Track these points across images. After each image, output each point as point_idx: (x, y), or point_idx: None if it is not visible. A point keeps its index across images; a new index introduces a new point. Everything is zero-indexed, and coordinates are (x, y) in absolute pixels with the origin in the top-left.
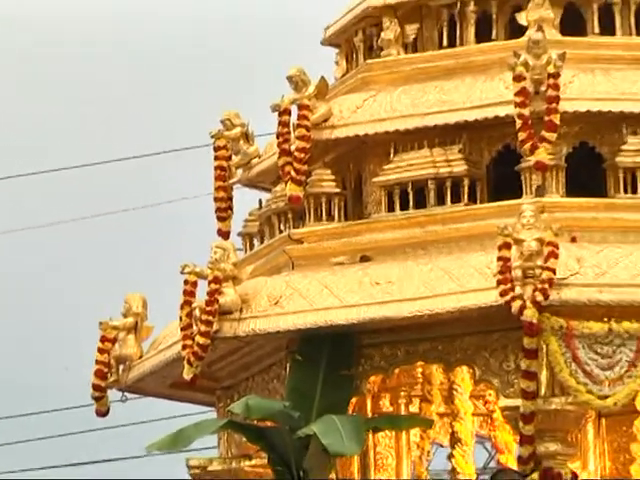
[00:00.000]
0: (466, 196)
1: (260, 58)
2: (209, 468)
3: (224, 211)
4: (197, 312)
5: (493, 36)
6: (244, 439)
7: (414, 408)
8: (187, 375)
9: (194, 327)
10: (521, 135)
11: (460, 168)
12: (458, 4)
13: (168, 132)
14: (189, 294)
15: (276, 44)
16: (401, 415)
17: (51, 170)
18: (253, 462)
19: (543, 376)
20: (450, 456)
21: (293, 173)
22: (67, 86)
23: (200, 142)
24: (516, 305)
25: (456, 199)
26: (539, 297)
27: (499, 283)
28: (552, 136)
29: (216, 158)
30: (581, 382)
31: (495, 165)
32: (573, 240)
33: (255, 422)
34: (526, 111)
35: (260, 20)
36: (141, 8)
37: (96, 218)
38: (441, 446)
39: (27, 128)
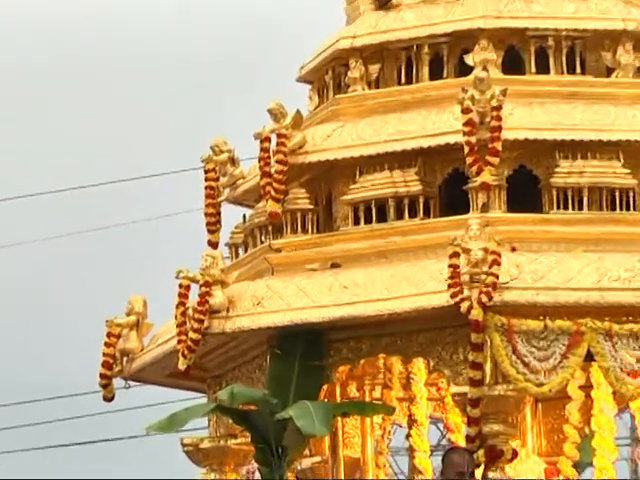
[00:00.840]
0: (421, 212)
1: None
2: (200, 446)
3: (213, 225)
4: (190, 311)
5: (444, 75)
6: (230, 421)
7: (377, 394)
8: (182, 366)
9: (187, 324)
10: (468, 159)
11: (416, 188)
12: (414, 47)
13: (167, 154)
14: (183, 296)
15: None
16: (367, 403)
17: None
18: (239, 440)
19: (487, 367)
20: (408, 435)
21: (273, 192)
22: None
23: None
24: (464, 306)
25: (413, 214)
26: (484, 299)
27: (450, 287)
28: (495, 160)
29: (206, 179)
30: (520, 372)
31: (446, 185)
32: (513, 250)
33: (240, 407)
34: (473, 139)
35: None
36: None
37: (110, 229)
38: (400, 426)
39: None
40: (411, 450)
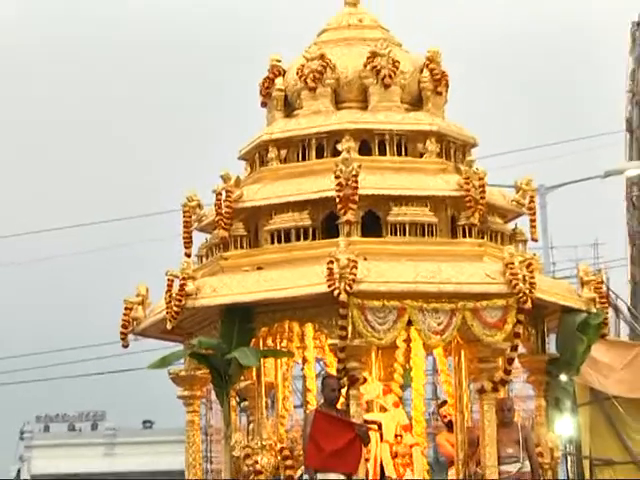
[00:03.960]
0: (310, 237)
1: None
2: (179, 374)
3: (187, 244)
4: (174, 294)
5: (324, 156)
6: (197, 359)
7: (284, 344)
8: (169, 327)
9: (172, 302)
10: (339, 206)
11: (307, 222)
12: (307, 140)
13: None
14: (170, 285)
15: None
16: (277, 350)
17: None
18: (202, 371)
19: (349, 328)
20: (302, 368)
21: (223, 224)
22: None
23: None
24: (336, 292)
25: (305, 238)
26: (347, 288)
27: (327, 281)
28: (354, 206)
29: (184, 217)
30: (369, 331)
31: (326, 221)
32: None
33: (203, 350)
34: (341, 194)
35: None
36: None
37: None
38: (297, 363)
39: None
40: (304, 377)
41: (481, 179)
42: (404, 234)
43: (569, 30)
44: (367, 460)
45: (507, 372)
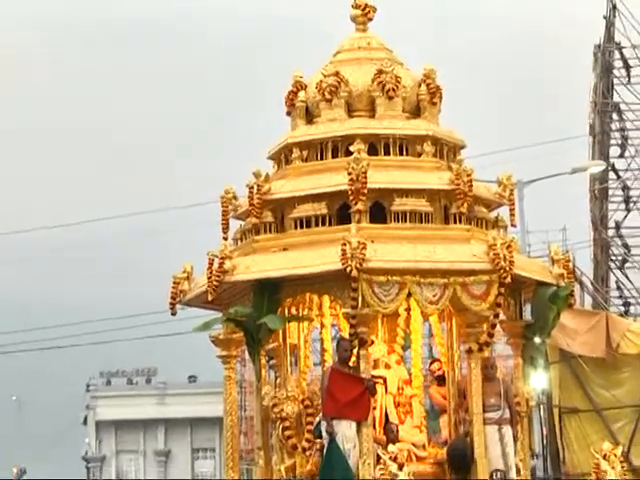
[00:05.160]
0: (327, 223)
1: None
2: (219, 337)
3: (225, 229)
4: (214, 271)
5: (339, 156)
6: (233, 324)
7: (305, 312)
8: (210, 298)
9: (212, 278)
10: (350, 197)
11: (324, 211)
12: (325, 142)
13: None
14: (211, 264)
15: None
16: (300, 315)
17: None
18: (237, 335)
19: (359, 299)
20: (320, 332)
21: (254, 213)
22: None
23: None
24: (348, 269)
25: (323, 225)
26: (358, 265)
27: (342, 259)
28: (364, 198)
29: (222, 206)
30: (376, 301)
31: (340, 210)
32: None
33: (238, 317)
34: (353, 187)
35: None
36: None
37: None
38: (317, 328)
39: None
40: (321, 340)
41: (469, 175)
42: (405, 221)
43: (541, 55)
44: (374, 409)
45: (490, 335)
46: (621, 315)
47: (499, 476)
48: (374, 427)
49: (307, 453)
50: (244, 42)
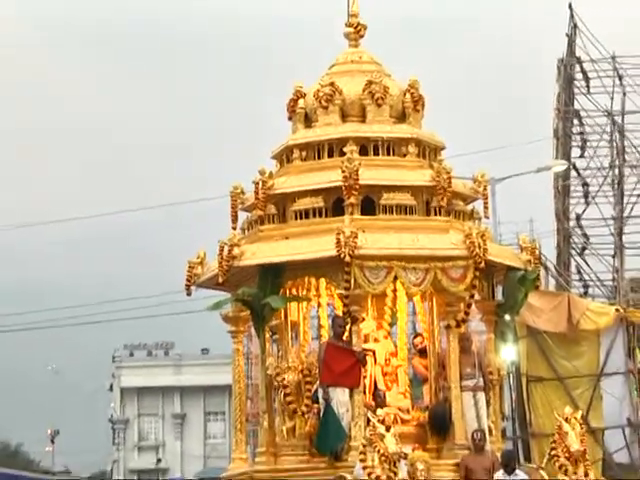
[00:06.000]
0: (324, 215)
1: None
2: (228, 315)
3: (234, 220)
4: (224, 257)
5: (334, 156)
6: (240, 304)
7: (305, 292)
8: (220, 280)
9: (222, 262)
10: (345, 192)
11: (321, 204)
12: (321, 144)
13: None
14: (221, 250)
15: None
16: (299, 296)
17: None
18: (244, 313)
19: (352, 281)
20: (317, 310)
21: (260, 205)
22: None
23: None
24: (342, 255)
25: (320, 216)
26: (350, 252)
27: (336, 247)
28: (355, 193)
29: (231, 200)
30: (366, 283)
31: (335, 203)
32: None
33: (245, 297)
34: (346, 183)
35: None
36: None
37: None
38: (314, 307)
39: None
40: (318, 317)
41: (448, 173)
42: (392, 213)
43: (512, 67)
44: (365, 377)
45: (466, 313)
46: (581, 296)
47: (479, 436)
48: (364, 393)
49: (306, 416)
50: (244, 42)
